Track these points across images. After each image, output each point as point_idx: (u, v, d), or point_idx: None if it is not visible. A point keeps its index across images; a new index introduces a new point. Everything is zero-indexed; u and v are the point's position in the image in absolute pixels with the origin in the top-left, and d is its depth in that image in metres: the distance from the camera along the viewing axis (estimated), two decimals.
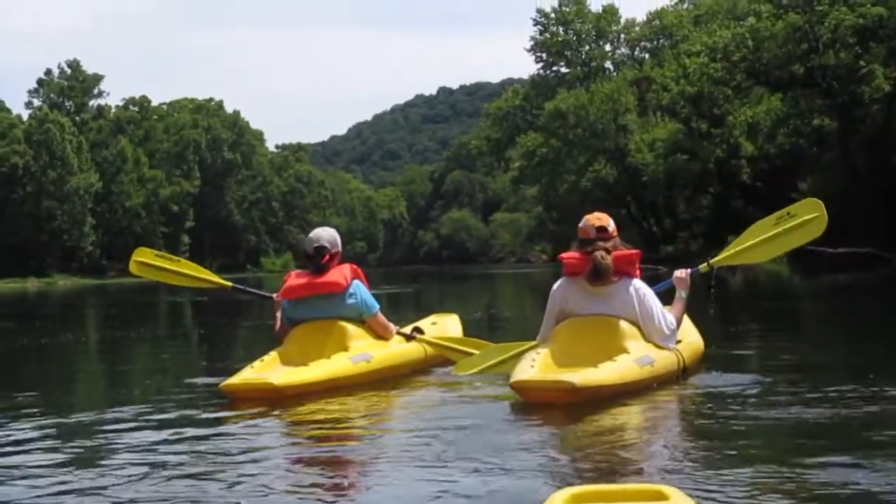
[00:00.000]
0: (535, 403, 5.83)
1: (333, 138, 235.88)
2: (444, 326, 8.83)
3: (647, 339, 6.37)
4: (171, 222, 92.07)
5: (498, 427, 5.29)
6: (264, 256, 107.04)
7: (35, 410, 6.45)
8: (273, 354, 7.01)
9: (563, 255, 6.61)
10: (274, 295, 7.61)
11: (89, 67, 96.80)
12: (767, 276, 29.83)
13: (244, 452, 4.80)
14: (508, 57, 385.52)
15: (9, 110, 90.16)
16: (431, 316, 9.09)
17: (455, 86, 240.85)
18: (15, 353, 12.08)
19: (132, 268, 8.23)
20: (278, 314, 7.47)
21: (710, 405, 5.77)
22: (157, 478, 4.31)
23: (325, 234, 7.41)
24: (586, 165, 63.53)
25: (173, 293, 32.95)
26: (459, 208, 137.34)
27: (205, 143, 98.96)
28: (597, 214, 6.62)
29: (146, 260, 8.24)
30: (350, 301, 7.27)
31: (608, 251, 6.37)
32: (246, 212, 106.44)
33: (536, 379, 5.89)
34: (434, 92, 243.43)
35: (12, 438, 5.39)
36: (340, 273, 7.26)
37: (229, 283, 8.26)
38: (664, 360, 6.40)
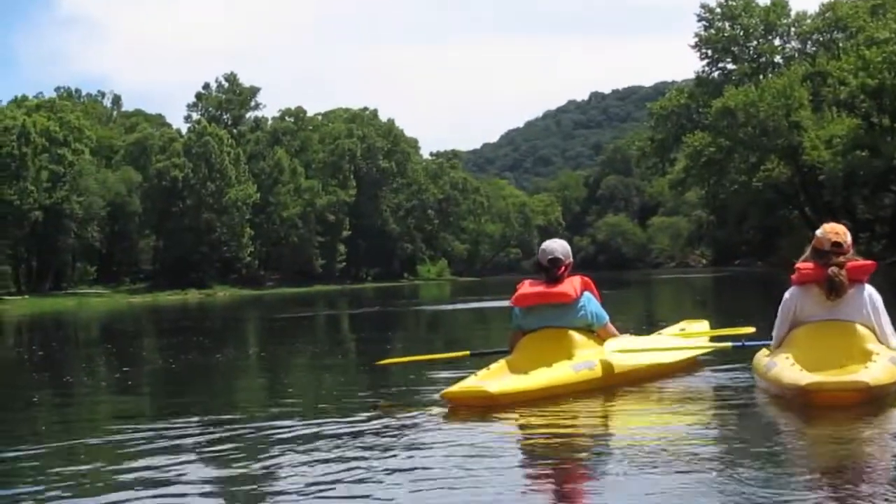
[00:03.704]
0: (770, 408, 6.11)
1: (486, 146, 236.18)
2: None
3: (880, 342, 6.43)
4: (327, 232, 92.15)
5: (726, 440, 5.13)
6: (420, 264, 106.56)
7: (265, 413, 6.95)
8: (501, 363, 7.21)
9: (799, 264, 6.70)
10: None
11: (246, 80, 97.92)
12: None
13: (464, 456, 4.98)
14: (662, 60, 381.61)
15: (169, 125, 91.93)
16: (681, 322, 9.15)
17: (607, 90, 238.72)
18: (198, 367, 11.97)
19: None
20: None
21: None
22: (377, 480, 4.56)
23: (559, 247, 7.53)
24: (757, 165, 60.91)
25: (332, 306, 32.56)
26: (615, 213, 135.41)
27: (360, 151, 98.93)
28: (835, 229, 6.64)
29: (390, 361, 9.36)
30: (580, 313, 7.38)
31: (841, 265, 6.45)
32: (401, 220, 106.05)
33: (830, 381, 5.87)
34: (586, 97, 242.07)
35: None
36: (571, 285, 7.38)
37: (467, 352, 8.60)
38: None
